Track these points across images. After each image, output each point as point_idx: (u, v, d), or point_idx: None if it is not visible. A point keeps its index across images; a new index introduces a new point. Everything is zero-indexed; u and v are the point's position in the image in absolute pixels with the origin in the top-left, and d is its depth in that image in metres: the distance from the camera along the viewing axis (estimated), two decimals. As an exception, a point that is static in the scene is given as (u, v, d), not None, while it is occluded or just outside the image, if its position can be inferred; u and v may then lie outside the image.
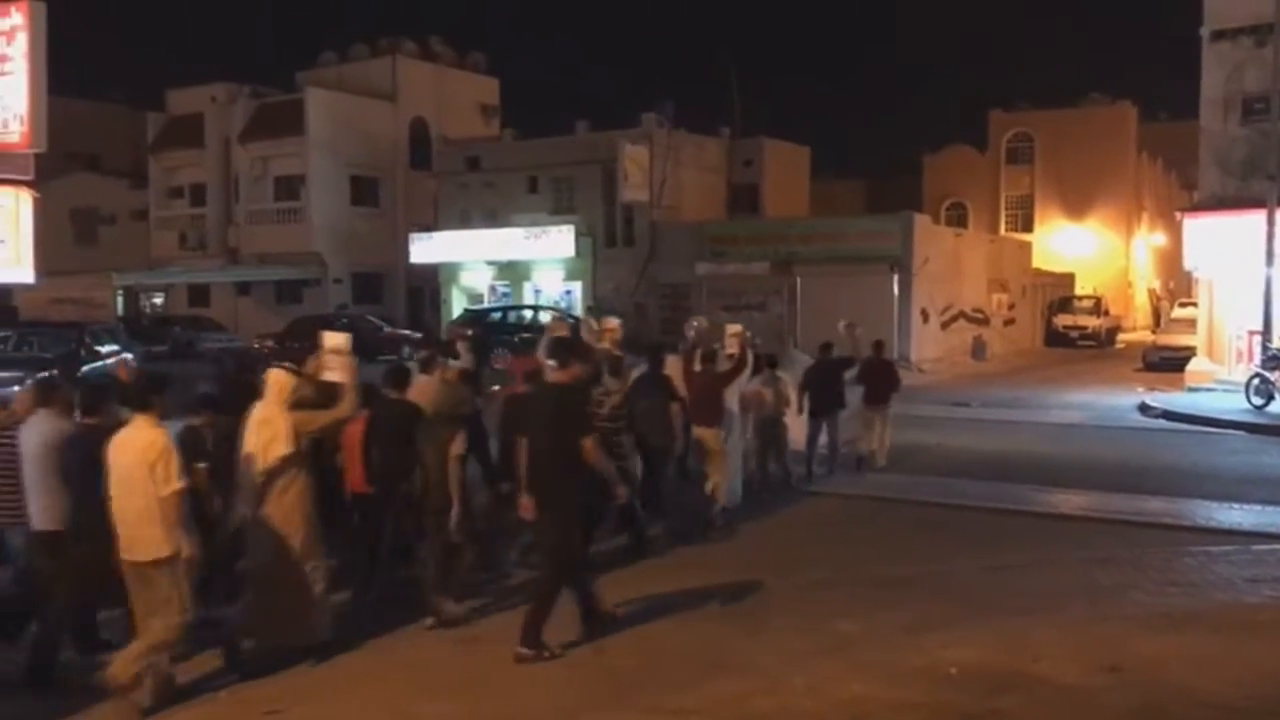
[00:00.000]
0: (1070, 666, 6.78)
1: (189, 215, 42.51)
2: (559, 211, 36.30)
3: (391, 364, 9.23)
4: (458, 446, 7.91)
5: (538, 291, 36.63)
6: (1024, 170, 52.02)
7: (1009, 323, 37.94)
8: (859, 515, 11.85)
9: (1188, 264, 24.11)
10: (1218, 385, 22.48)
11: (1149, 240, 54.44)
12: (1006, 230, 50.40)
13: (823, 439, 13.53)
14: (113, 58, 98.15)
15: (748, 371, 11.71)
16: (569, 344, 8.13)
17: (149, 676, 6.37)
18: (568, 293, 36.13)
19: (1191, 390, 22.79)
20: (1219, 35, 22.87)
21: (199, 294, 42.29)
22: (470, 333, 11.96)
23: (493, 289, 37.78)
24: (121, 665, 6.31)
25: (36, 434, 7.10)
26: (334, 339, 8.08)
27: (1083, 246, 50.29)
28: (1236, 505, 12.30)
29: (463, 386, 8.64)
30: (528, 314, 32.33)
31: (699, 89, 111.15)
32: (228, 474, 7.35)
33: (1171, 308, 39.41)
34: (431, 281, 39.24)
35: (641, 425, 9.97)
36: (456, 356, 9.99)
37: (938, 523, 11.56)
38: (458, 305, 37.36)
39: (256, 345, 30.81)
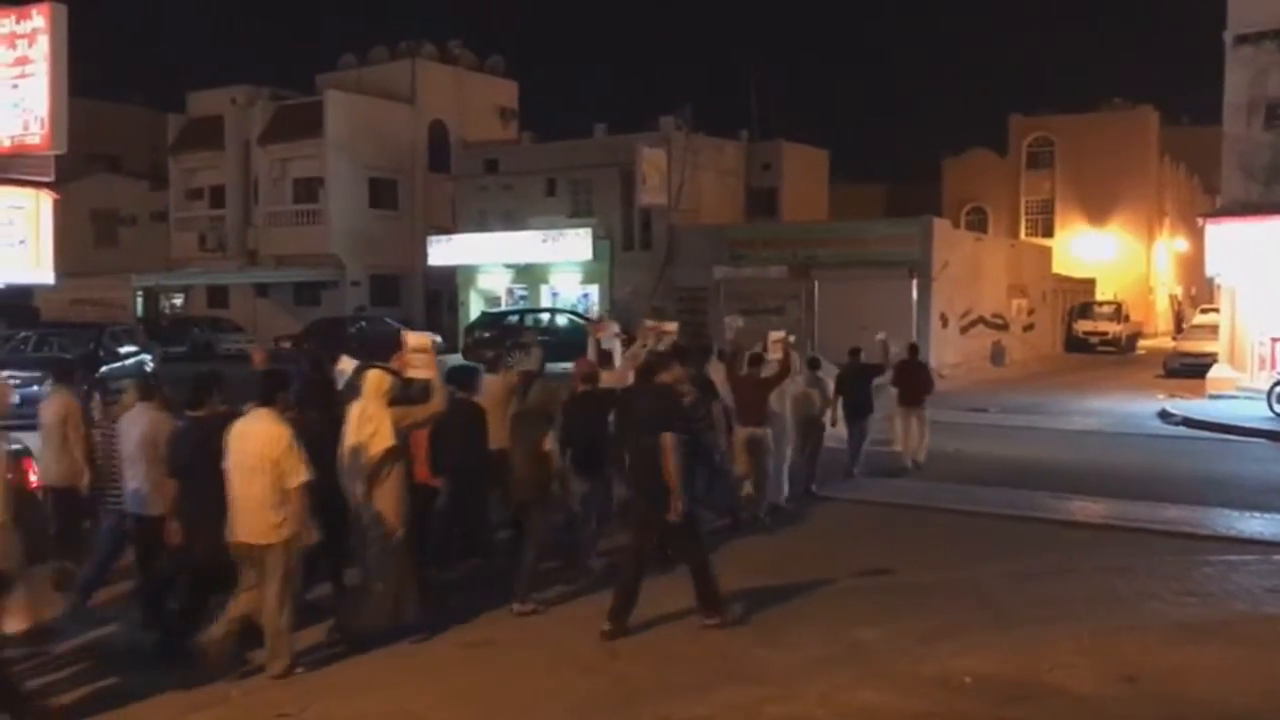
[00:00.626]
0: (1086, 676, 6.71)
1: (208, 217, 42.73)
2: (577, 214, 36.33)
3: (459, 365, 9.80)
4: (549, 442, 8.31)
5: (555, 294, 36.65)
6: (1044, 175, 51.78)
7: (1028, 328, 37.75)
8: (875, 522, 11.78)
9: (1210, 270, 23.90)
10: (1239, 392, 22.28)
11: (1171, 246, 54.12)
12: (1027, 235, 50.16)
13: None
14: (134, 60, 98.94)
15: (792, 374, 12.00)
16: (682, 349, 8.76)
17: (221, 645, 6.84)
18: (585, 296, 36.14)
19: (1213, 397, 22.59)
20: (1242, 39, 22.68)
21: (218, 295, 42.50)
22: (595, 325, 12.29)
23: (510, 292, 37.83)
24: (273, 656, 6.91)
25: (138, 427, 7.60)
26: (417, 338, 8.52)
27: (1103, 252, 50.01)
28: (1257, 514, 12.18)
29: (556, 386, 9.09)
30: (545, 317, 32.35)
31: (718, 92, 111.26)
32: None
33: (1193, 314, 39.15)
34: (449, 284, 39.31)
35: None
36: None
37: (955, 530, 11.50)
38: (475, 308, 37.43)
39: (275, 346, 30.94)
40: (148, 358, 21.47)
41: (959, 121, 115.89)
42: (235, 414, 7.12)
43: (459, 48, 44.48)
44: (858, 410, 13.70)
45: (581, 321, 31.85)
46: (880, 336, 14.94)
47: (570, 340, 25.06)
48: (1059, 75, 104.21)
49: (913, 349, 15.53)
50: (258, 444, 6.73)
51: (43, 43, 13.42)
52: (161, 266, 42.28)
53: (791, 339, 12.24)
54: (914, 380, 14.87)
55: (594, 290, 35.98)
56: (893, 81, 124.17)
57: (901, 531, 11.43)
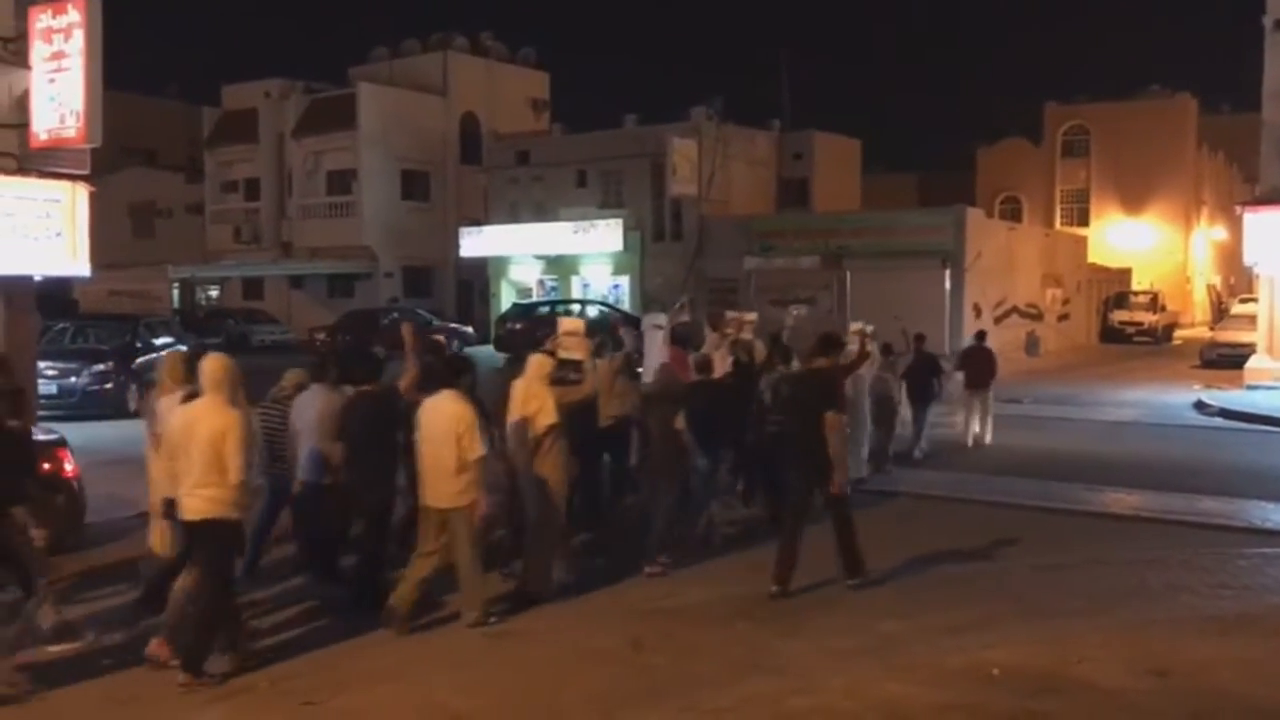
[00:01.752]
0: (1116, 669, 6.65)
1: (243, 209, 43.10)
2: (607, 205, 36.33)
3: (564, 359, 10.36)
4: (680, 421, 9.17)
5: (586, 285, 36.70)
6: (1080, 163, 51.25)
7: (1063, 318, 37.41)
8: (905, 513, 11.72)
9: (1248, 259, 23.59)
10: (1278, 383, 21.99)
11: (1209, 234, 53.44)
12: (1062, 225, 49.70)
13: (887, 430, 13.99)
14: (169, 54, 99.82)
15: (871, 363, 12.69)
16: (832, 337, 9.31)
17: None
18: (615, 287, 36.17)
19: (1250, 388, 22.32)
20: (1282, 25, 22.34)
21: (253, 287, 42.87)
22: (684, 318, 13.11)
23: (541, 283, 37.91)
24: (468, 602, 7.69)
25: (312, 404, 8.38)
26: (570, 323, 10.01)
27: (1140, 241, 49.45)
28: (1294, 507, 12.01)
29: (675, 371, 10.10)
30: (575, 308, 32.39)
31: (749, 81, 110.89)
32: None
33: (1231, 304, 38.64)
34: (481, 275, 39.46)
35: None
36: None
37: (985, 521, 11.40)
38: (506, 299, 37.54)
39: (309, 337, 31.21)
40: (183, 349, 21.69)
41: (993, 110, 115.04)
42: (395, 390, 8.27)
43: (490, 39, 44.58)
44: (923, 395, 14.64)
45: (612, 312, 31.93)
46: (907, 330, 15.54)
47: (601, 330, 25.09)
48: (1095, 63, 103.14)
49: (980, 335, 17.26)
50: (445, 420, 7.48)
51: (78, 37, 13.53)
52: (197, 259, 42.70)
53: (871, 329, 13.11)
54: (981, 365, 16.01)
55: (624, 281, 35.99)
56: (926, 70, 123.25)
57: (931, 523, 11.36)
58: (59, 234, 13.87)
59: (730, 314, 13.41)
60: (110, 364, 18.81)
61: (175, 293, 42.64)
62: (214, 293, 44.98)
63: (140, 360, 18.89)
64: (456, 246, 38.90)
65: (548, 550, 8.35)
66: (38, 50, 13.88)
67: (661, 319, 16.95)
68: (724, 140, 35.50)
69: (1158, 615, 7.93)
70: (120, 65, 15.65)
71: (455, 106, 42.20)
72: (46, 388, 17.07)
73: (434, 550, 7.66)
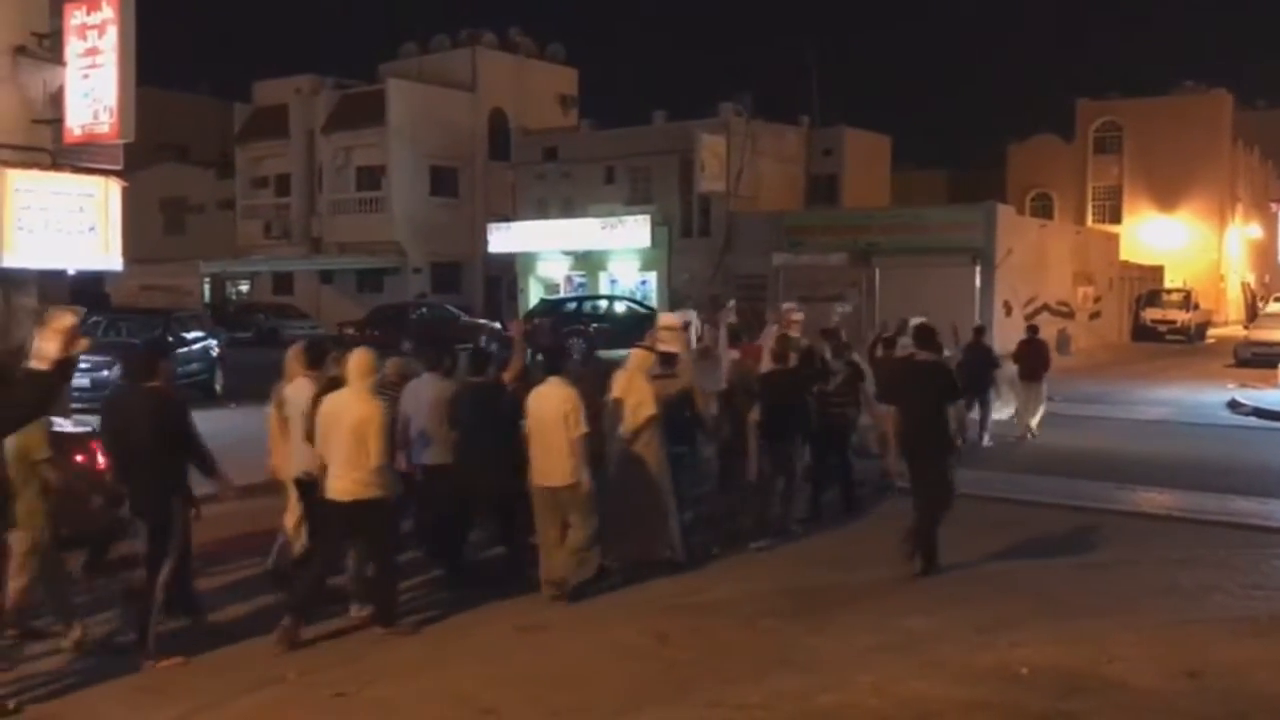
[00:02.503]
0: (1147, 670, 6.59)
1: (273, 205, 43.38)
2: (635, 202, 36.32)
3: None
4: (755, 414, 9.75)
5: (613, 282, 36.71)
6: (1112, 160, 50.80)
7: (1094, 316, 37.09)
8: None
9: (1283, 257, 23.31)
10: (1313, 382, 21.74)
11: (1243, 232, 52.85)
12: (1093, 222, 49.29)
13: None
14: (202, 51, 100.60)
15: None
16: (931, 331, 9.70)
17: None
18: (643, 283, 36.16)
19: (1285, 387, 22.06)
20: (1320, 19, 22.06)
21: (283, 282, 43.14)
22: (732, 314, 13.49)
23: (569, 279, 37.96)
24: (560, 564, 8.29)
25: (425, 391, 8.80)
26: (668, 318, 10.70)
27: (1173, 238, 48.96)
28: (1330, 507, 11.87)
29: (752, 365, 10.69)
30: (603, 304, 32.40)
31: (778, 77, 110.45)
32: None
33: (1266, 302, 38.19)
34: (509, 271, 39.55)
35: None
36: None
37: (1015, 520, 11.32)
38: (534, 295, 37.61)
39: (338, 332, 31.37)
40: (214, 343, 21.84)
41: (1025, 106, 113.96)
42: (500, 380, 8.99)
43: (519, 35, 44.63)
44: (982, 387, 14.90)
45: (640, 309, 31.92)
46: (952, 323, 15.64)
47: (628, 327, 25.10)
48: (1128, 59, 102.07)
49: (1033, 329, 18.02)
50: (554, 404, 8.14)
51: (112, 34, 13.65)
52: (228, 254, 43.01)
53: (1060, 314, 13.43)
54: (1035, 358, 16.72)
55: (652, 277, 35.97)
56: (957, 66, 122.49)
57: (959, 520, 11.24)
58: (92, 228, 14.00)
59: (785, 305, 14.04)
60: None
61: (206, 287, 42.98)
62: (244, 288, 45.30)
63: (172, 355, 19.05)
64: (485, 242, 39.00)
65: (671, 520, 9.00)
66: (72, 47, 14.02)
67: (691, 315, 16.89)
68: (753, 136, 35.40)
69: (1190, 615, 7.86)
70: (153, 61, 15.78)
71: (484, 102, 42.29)
72: (79, 381, 17.21)
73: (564, 523, 8.32)
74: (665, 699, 6.32)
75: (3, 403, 5.84)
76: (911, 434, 8.91)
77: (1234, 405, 20.65)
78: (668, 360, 9.59)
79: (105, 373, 18.53)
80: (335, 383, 7.71)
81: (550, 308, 32.28)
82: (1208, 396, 22.34)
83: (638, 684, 6.59)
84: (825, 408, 10.86)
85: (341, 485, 7.24)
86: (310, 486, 7.81)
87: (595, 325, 28.61)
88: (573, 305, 32.24)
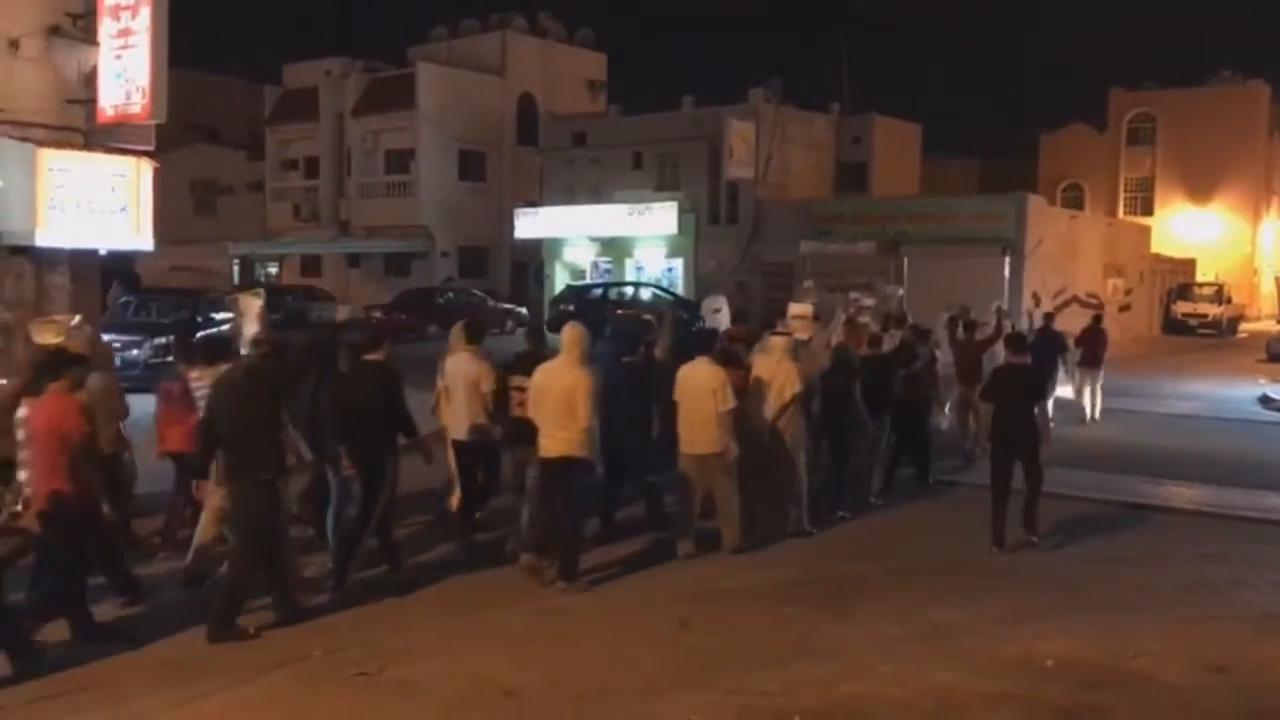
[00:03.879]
0: (1173, 665, 6.54)
1: (302, 187, 43.54)
2: (663, 188, 36.21)
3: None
4: (856, 391, 10.62)
5: (639, 268, 36.64)
6: (1145, 151, 50.25)
7: (1125, 309, 36.72)
8: (960, 503, 11.58)
9: (1318, 251, 23.00)
10: (1347, 378, 21.47)
11: (1278, 226, 52.17)
12: (1125, 213, 48.79)
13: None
14: (233, 32, 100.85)
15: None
16: (1022, 338, 10.79)
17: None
18: (669, 270, 36.08)
19: (1318, 383, 21.81)
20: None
21: (311, 264, 43.33)
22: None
23: (595, 265, 37.92)
24: (729, 532, 9.19)
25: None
26: (798, 307, 12.04)
27: (1206, 231, 48.40)
28: (1361, 504, 11.72)
29: (850, 347, 11.41)
30: (629, 290, 32.36)
31: (808, 63, 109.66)
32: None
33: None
34: (535, 256, 39.54)
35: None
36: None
37: (1043, 512, 11.21)
38: (560, 281, 37.62)
39: (365, 316, 31.51)
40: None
41: (1057, 96, 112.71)
42: (652, 358, 10.12)
43: (549, 19, 44.55)
44: (1047, 371, 14.91)
45: (666, 296, 31.88)
46: (996, 304, 15.83)
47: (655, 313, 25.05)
48: (1164, 48, 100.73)
49: (1097, 318, 18.46)
50: (703, 380, 9.02)
51: (145, 15, 13.72)
52: (257, 235, 43.24)
53: (1003, 306, 14.63)
54: (1096, 345, 17.19)
55: (678, 264, 35.90)
56: (989, 54, 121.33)
57: (984, 512, 11.18)
58: (123, 209, 14.10)
59: (853, 294, 15.09)
60: (171, 337, 19.14)
61: (235, 269, 43.23)
62: (273, 270, 45.52)
63: (199, 335, 19.20)
64: (512, 227, 39.00)
65: (803, 493, 9.86)
66: (105, 27, 14.10)
67: (721, 302, 17.50)
68: (782, 123, 35.19)
69: (1218, 611, 7.80)
70: (185, 43, 15.82)
71: (513, 87, 42.26)
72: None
73: (703, 489, 9.16)
74: (686, 685, 6.32)
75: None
76: (1007, 429, 9.73)
77: (1266, 401, 20.44)
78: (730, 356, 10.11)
79: (135, 352, 18.72)
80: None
81: (576, 294, 32.28)
82: (1239, 391, 22.12)
83: (659, 669, 6.60)
84: (910, 388, 11.74)
85: (550, 444, 8.08)
86: (465, 447, 9.02)
87: (621, 311, 28.55)
88: (598, 291, 32.20)
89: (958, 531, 10.38)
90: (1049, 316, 16.90)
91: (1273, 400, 20.20)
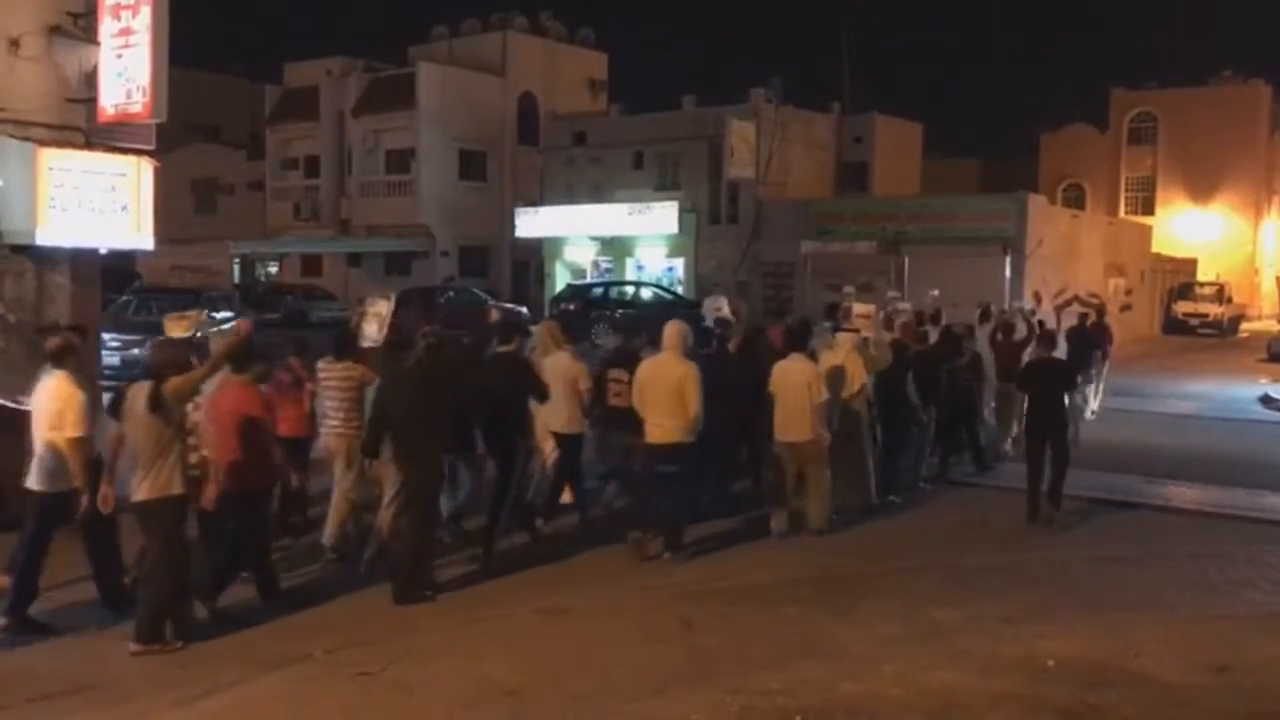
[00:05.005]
0: (1175, 664, 6.54)
1: (303, 186, 43.51)
2: (663, 188, 36.21)
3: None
4: (910, 384, 11.38)
5: (640, 267, 36.64)
6: (1146, 151, 50.24)
7: (1126, 308, 36.65)
8: (961, 502, 11.59)
9: (1319, 251, 22.99)
10: (1348, 378, 21.46)
11: (1279, 225, 52.16)
12: (1126, 213, 48.77)
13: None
14: (234, 31, 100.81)
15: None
16: (1052, 335, 11.74)
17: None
18: (670, 269, 36.08)
19: (1319, 383, 21.80)
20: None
21: (311, 264, 43.32)
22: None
23: (596, 264, 37.91)
24: (817, 513, 9.88)
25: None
26: (861, 307, 12.47)
27: (1207, 231, 48.39)
28: (1363, 504, 11.70)
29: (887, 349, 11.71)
30: (630, 290, 32.37)
31: (809, 63, 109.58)
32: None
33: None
34: (536, 256, 39.54)
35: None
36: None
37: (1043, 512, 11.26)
38: (561, 280, 37.61)
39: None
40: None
41: (1058, 96, 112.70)
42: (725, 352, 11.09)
43: (550, 19, 44.53)
44: (1081, 365, 15.50)
45: (667, 295, 31.87)
46: (1019, 306, 17.05)
47: (654, 313, 25.06)
48: (1165, 47, 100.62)
49: (1101, 313, 18.62)
50: (799, 374, 9.70)
51: (145, 13, 13.71)
52: (258, 234, 43.21)
53: (1032, 307, 15.52)
54: (1102, 339, 17.53)
55: (679, 264, 35.90)
56: (990, 54, 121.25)
57: (986, 512, 11.24)
58: (124, 208, 14.09)
59: (891, 293, 16.09)
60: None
61: (236, 268, 43.22)
62: (273, 269, 45.51)
63: (199, 335, 19.18)
64: (512, 227, 39.00)
65: (865, 473, 10.61)
66: (106, 26, 14.09)
67: (722, 302, 17.66)
68: (783, 123, 35.18)
69: (1218, 611, 7.80)
70: (185, 42, 15.82)
71: (513, 86, 42.24)
72: (110, 359, 17.40)
73: (796, 473, 9.83)
74: (689, 683, 6.32)
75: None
76: (1039, 417, 10.70)
77: (1267, 400, 20.42)
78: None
79: (135, 351, 18.69)
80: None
81: (576, 293, 32.26)
82: (1240, 391, 22.11)
83: (661, 668, 6.60)
84: (956, 382, 12.54)
85: (659, 431, 8.85)
86: (564, 437, 9.53)
87: (621, 311, 28.56)
88: (599, 291, 32.20)
89: (961, 532, 10.39)
90: (1084, 315, 17.76)
91: (1274, 400, 20.20)
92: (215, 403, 7.56)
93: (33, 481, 7.29)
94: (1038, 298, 29.82)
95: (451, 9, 59.05)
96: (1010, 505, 11.53)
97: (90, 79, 14.18)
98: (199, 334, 8.88)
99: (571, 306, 29.64)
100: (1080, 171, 51.20)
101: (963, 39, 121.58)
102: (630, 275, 36.01)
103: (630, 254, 36.84)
